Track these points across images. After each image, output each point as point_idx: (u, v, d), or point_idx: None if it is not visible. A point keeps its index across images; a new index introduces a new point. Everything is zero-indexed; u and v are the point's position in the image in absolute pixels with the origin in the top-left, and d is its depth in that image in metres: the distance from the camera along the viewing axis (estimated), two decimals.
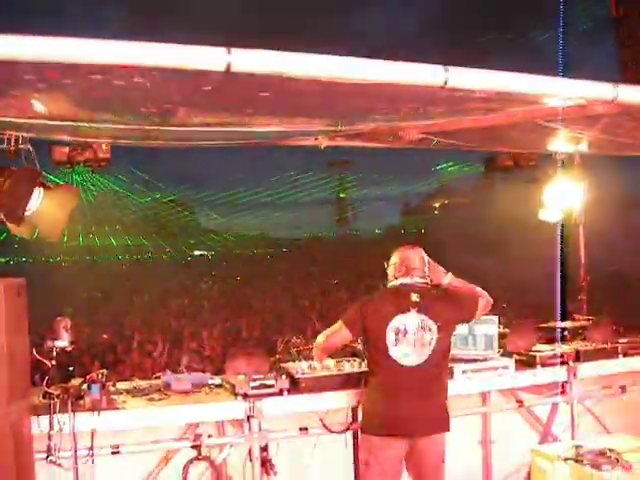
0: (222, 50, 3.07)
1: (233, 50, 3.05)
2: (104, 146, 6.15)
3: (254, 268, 51.94)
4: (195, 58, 3.08)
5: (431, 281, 5.26)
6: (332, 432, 5.93)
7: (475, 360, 6.26)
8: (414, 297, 5.11)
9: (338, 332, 5.25)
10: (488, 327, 6.33)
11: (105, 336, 17.00)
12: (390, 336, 5.00)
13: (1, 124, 5.39)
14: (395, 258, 5.30)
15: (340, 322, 5.22)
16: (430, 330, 5.06)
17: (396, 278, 5.23)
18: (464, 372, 6.12)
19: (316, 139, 6.53)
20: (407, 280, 5.17)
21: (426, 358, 5.04)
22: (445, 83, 3.56)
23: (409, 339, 5.00)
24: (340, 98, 4.11)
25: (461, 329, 6.17)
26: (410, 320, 5.04)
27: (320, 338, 5.37)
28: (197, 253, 68.85)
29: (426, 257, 5.31)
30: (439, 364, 5.17)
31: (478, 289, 5.36)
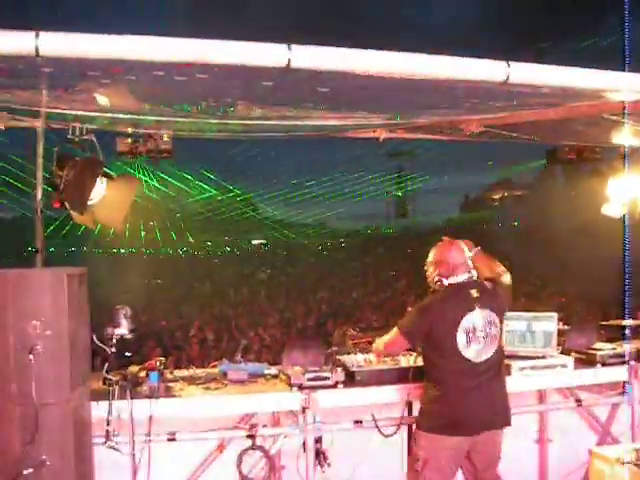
0: (283, 47, 3.08)
1: (293, 47, 3.06)
2: (165, 137, 6.25)
3: (312, 258, 52.05)
4: (257, 55, 3.10)
5: (478, 273, 5.22)
6: (384, 435, 5.90)
7: (533, 357, 6.15)
8: (474, 293, 5.05)
9: (396, 343, 5.25)
10: (547, 324, 6.21)
11: (164, 323, 17.27)
12: (461, 338, 4.94)
13: (66, 116, 5.52)
14: (436, 256, 5.19)
15: (398, 332, 5.16)
16: (495, 324, 5.06)
17: (445, 277, 5.11)
18: (522, 369, 6.02)
19: (374, 131, 6.52)
20: (460, 278, 5.10)
21: (493, 352, 5.03)
22: (507, 79, 3.51)
23: (479, 337, 4.97)
24: (400, 93, 4.09)
25: (520, 325, 6.10)
26: (477, 317, 5.00)
27: (379, 346, 5.42)
28: (255, 242, 69.25)
29: (466, 249, 5.22)
30: (501, 357, 5.18)
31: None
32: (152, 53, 2.95)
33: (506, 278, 5.33)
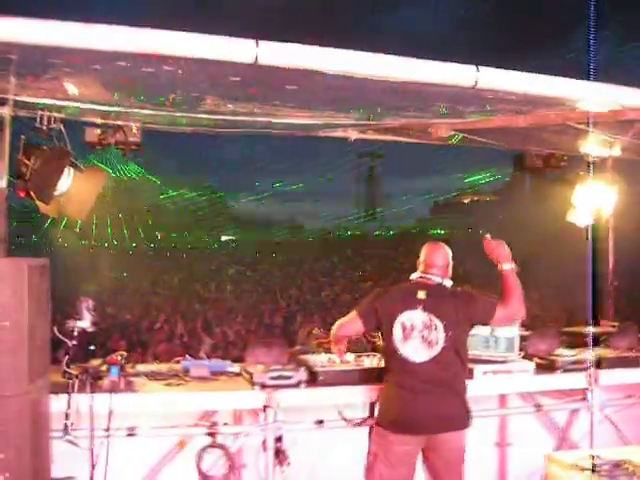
0: (251, 42, 3.05)
1: (261, 43, 3.03)
2: (134, 129, 6.18)
3: (280, 256, 52.06)
4: (225, 49, 3.07)
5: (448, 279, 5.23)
6: (349, 423, 5.90)
7: (495, 362, 6.19)
8: (421, 295, 5.07)
9: (352, 322, 5.24)
10: (510, 329, 6.26)
11: (128, 317, 17.14)
12: (397, 332, 5.00)
13: (33, 104, 5.44)
14: (421, 253, 5.28)
15: (354, 312, 5.23)
16: (436, 328, 5.00)
17: (416, 271, 5.23)
18: (485, 373, 6.06)
19: (345, 131, 6.50)
20: (422, 276, 5.17)
21: (435, 355, 4.98)
22: (475, 83, 3.51)
23: (416, 336, 4.98)
24: (369, 94, 4.08)
25: (483, 330, 6.12)
26: (416, 317, 5.01)
27: (334, 327, 5.39)
28: (224, 239, 69.12)
29: (450, 255, 5.26)
30: (451, 362, 5.07)
31: (515, 298, 5.11)
32: (117, 43, 2.90)
33: (511, 304, 5.16)
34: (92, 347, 5.80)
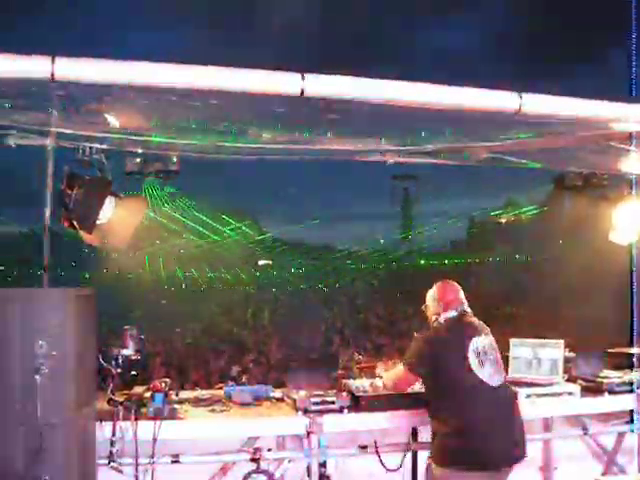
0: (297, 76, 3.11)
1: (307, 76, 3.09)
2: (174, 158, 6.27)
3: (318, 279, 52.09)
4: (271, 83, 3.14)
5: None
6: (392, 449, 5.87)
7: (539, 385, 6.12)
8: (475, 322, 5.22)
9: (404, 380, 5.41)
10: (553, 351, 6.19)
11: (169, 342, 17.24)
12: (473, 360, 4.97)
13: (76, 136, 5.55)
14: (435, 294, 5.38)
15: (404, 369, 5.29)
16: (496, 350, 5.14)
17: (442, 313, 5.28)
18: (528, 396, 5.98)
19: (382, 155, 6.53)
20: (456, 312, 5.25)
21: (503, 377, 5.10)
22: (519, 109, 3.53)
23: (489, 359, 5.02)
24: (409, 120, 4.11)
25: (526, 352, 6.09)
26: (483, 341, 5.08)
27: (388, 383, 5.61)
28: (261, 263, 69.38)
29: (460, 289, 5.41)
30: (509, 384, 5.24)
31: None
32: (169, 80, 2.98)
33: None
34: (134, 373, 5.85)
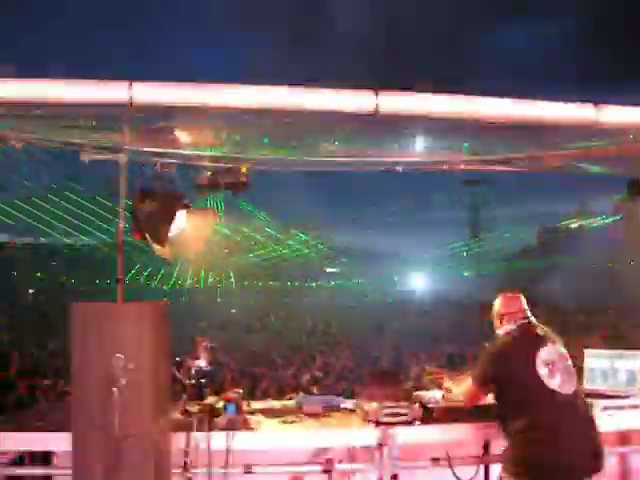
0: (370, 94, 3.15)
1: (381, 94, 3.13)
2: (244, 170, 6.36)
3: (384, 286, 51.92)
4: (346, 102, 3.19)
5: None
6: (465, 461, 5.83)
7: (616, 396, 5.99)
8: (542, 331, 5.16)
9: (475, 395, 5.33)
10: (631, 362, 6.06)
11: (237, 353, 17.43)
12: (543, 370, 4.91)
13: (147, 152, 5.70)
14: (499, 305, 5.36)
15: (474, 384, 5.24)
16: (567, 358, 5.06)
17: (508, 322, 5.25)
18: (605, 408, 5.85)
19: (451, 164, 6.51)
20: (523, 321, 5.21)
21: (576, 387, 4.99)
22: (595, 121, 3.50)
23: (559, 367, 4.95)
24: (483, 132, 4.11)
25: (602, 363, 5.98)
26: (552, 351, 5.01)
27: (459, 397, 5.54)
28: (328, 271, 69.62)
29: (523, 298, 5.36)
30: (583, 393, 5.14)
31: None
32: (244, 102, 3.06)
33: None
34: (205, 383, 5.95)
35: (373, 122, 3.42)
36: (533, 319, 5.26)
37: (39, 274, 58.03)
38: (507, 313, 5.28)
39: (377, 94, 3.12)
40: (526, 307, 5.30)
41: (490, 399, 5.73)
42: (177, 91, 3.06)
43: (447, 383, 5.95)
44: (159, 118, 3.75)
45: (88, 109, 3.35)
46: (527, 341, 5.09)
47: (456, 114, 3.26)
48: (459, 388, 5.60)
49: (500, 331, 5.29)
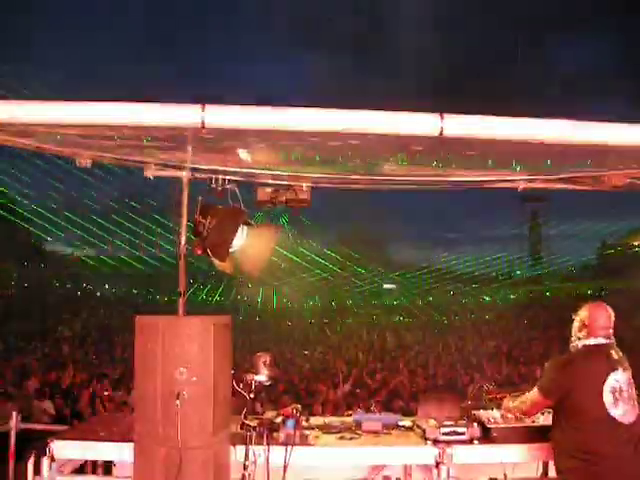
0: (436, 117, 3.19)
1: (446, 117, 3.16)
2: (304, 187, 6.42)
3: (444, 301, 51.60)
4: (411, 125, 3.23)
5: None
6: None
7: None
8: (614, 355, 4.99)
9: (538, 404, 5.20)
10: None
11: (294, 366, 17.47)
12: (608, 397, 4.82)
13: (209, 169, 5.81)
14: (585, 316, 5.13)
15: (539, 393, 5.11)
16: (632, 386, 4.93)
17: (587, 337, 5.06)
18: None
19: (512, 182, 6.48)
20: (601, 340, 5.03)
21: (637, 415, 4.88)
22: None
23: (624, 397, 4.85)
24: (549, 155, 4.10)
25: None
26: (621, 377, 4.89)
27: (519, 406, 5.42)
28: (386, 287, 69.39)
29: (612, 315, 5.14)
30: None
31: None
32: (315, 125, 3.13)
33: None
34: (263, 395, 6.02)
35: (437, 144, 3.47)
36: (613, 339, 5.07)
37: (106, 285, 59.32)
38: (591, 326, 5.05)
39: (442, 117, 3.15)
40: (611, 324, 5.10)
41: (542, 419, 5.69)
42: (248, 114, 3.14)
43: (506, 401, 5.88)
44: (226, 138, 3.84)
45: (160, 130, 3.47)
46: (600, 363, 4.94)
47: (521, 137, 3.26)
48: (521, 397, 5.45)
49: (577, 343, 5.11)
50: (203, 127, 3.10)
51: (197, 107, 3.15)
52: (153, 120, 3.15)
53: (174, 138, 3.94)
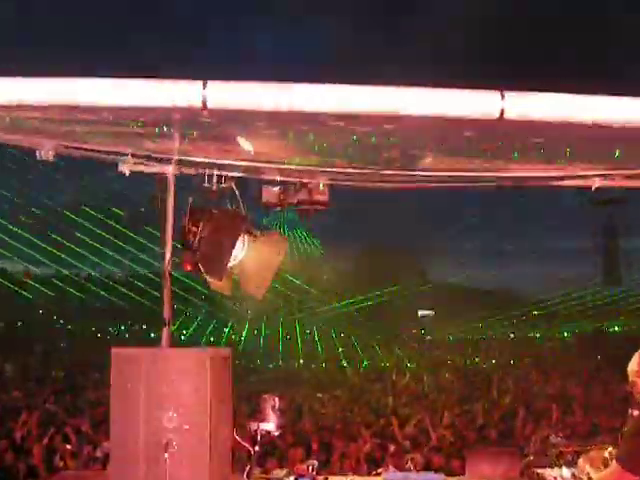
0: (494, 95, 3.19)
1: (507, 95, 3.16)
2: (321, 186, 6.30)
3: (494, 334, 51.34)
4: (461, 105, 3.23)
5: None
6: None
7: None
8: None
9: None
10: None
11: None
12: None
13: (201, 163, 5.76)
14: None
15: (620, 468, 5.00)
16: None
17: None
18: None
19: (585, 180, 6.47)
20: None
21: None
22: None
23: None
24: (628, 142, 4.08)
25: None
26: None
27: None
28: (421, 314, 69.07)
29: None
30: None
31: None
32: (343, 104, 3.13)
33: None
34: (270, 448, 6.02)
35: (493, 129, 3.47)
36: None
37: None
38: None
39: (503, 96, 3.15)
40: None
41: None
42: (259, 92, 3.15)
43: (582, 460, 5.83)
44: (230, 123, 3.85)
45: (148, 112, 3.48)
46: None
47: (601, 119, 3.25)
48: (599, 475, 5.43)
49: None
50: (204, 108, 3.13)
51: (197, 84, 3.17)
52: (141, 100, 3.18)
53: (163, 122, 3.96)
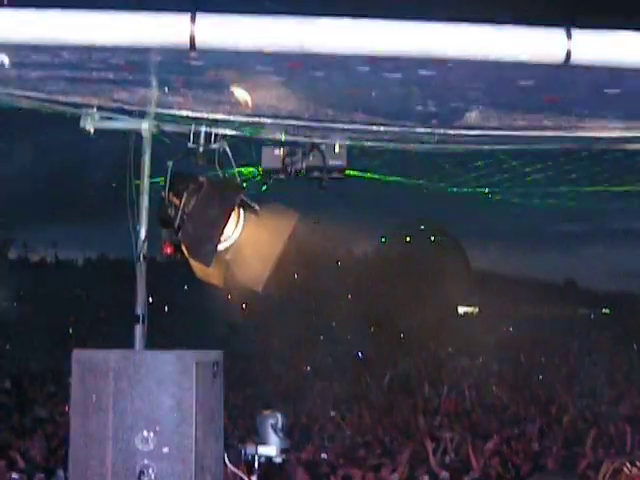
0: (559, 33, 3.16)
1: (574, 33, 3.14)
2: (337, 148, 6.22)
3: (558, 337, 51.43)
4: (517, 47, 3.21)
5: None
6: None
7: None
8: None
9: None
10: None
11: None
12: None
13: (185, 117, 5.72)
14: None
15: None
16: None
17: None
18: None
19: None
20: None
21: None
22: None
23: None
24: None
25: None
26: None
27: None
28: (462, 311, 69.25)
29: None
30: None
31: None
32: (362, 40, 3.10)
33: None
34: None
35: (558, 76, 3.44)
36: None
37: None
38: None
39: (570, 35, 3.12)
40: None
41: None
42: (263, 27, 3.11)
43: None
44: (222, 67, 3.84)
45: (122, 54, 3.46)
46: None
47: None
48: None
49: None
50: (193, 47, 3.08)
51: (184, 17, 3.12)
52: (113, 37, 3.14)
53: (138, 65, 3.94)
